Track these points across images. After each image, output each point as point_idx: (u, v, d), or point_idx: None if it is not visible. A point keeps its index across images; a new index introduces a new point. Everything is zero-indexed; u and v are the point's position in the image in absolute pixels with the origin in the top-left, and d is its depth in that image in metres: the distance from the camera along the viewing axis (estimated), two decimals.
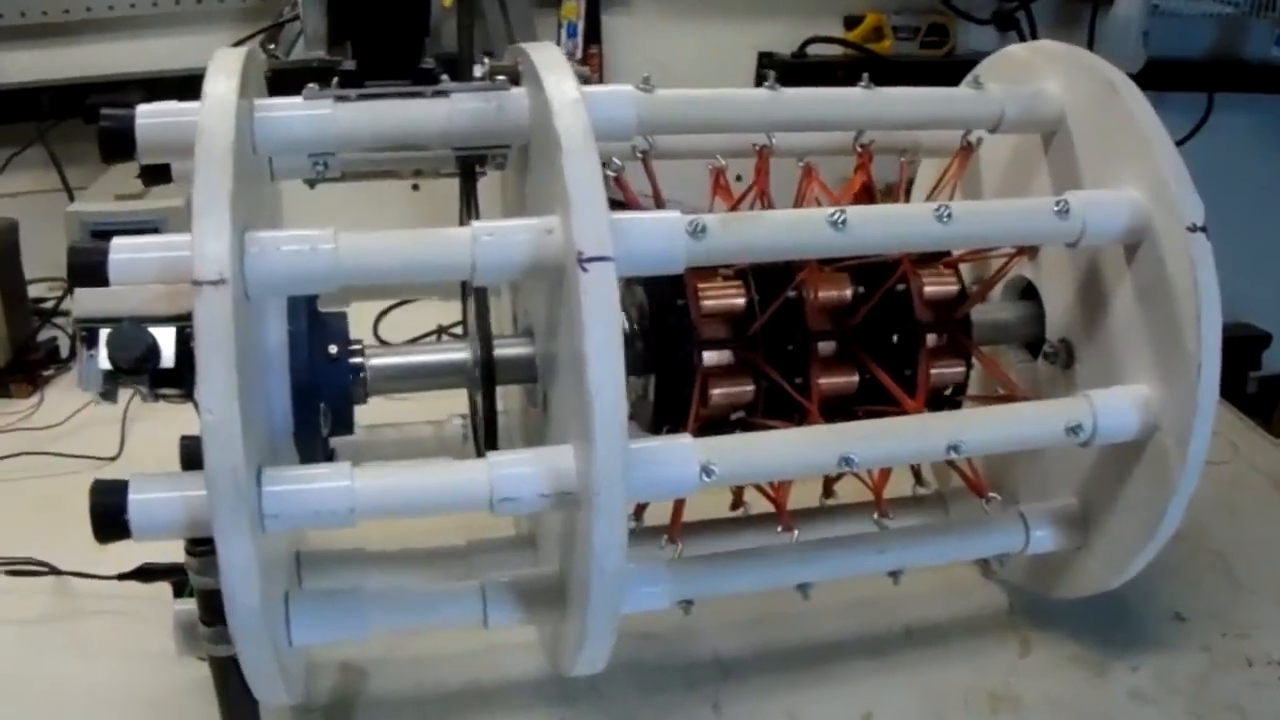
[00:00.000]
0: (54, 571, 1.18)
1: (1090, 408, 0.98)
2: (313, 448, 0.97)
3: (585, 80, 0.98)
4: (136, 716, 1.04)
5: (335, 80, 0.95)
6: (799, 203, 1.14)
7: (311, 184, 1.04)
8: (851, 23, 2.00)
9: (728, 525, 1.10)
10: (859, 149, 1.09)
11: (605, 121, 0.96)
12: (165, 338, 0.82)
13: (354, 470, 0.85)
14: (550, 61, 0.92)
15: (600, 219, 0.82)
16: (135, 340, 0.79)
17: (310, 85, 0.94)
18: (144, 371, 0.80)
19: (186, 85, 0.89)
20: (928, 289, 1.06)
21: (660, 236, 0.88)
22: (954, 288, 1.07)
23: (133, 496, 0.81)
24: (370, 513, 0.86)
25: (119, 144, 0.91)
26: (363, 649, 1.11)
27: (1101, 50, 1.98)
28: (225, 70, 0.87)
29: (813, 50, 1.99)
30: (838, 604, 1.18)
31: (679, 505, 1.04)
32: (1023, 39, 2.02)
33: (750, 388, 1.02)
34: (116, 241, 0.83)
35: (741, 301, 1.01)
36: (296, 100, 0.93)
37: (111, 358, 0.78)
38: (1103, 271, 1.05)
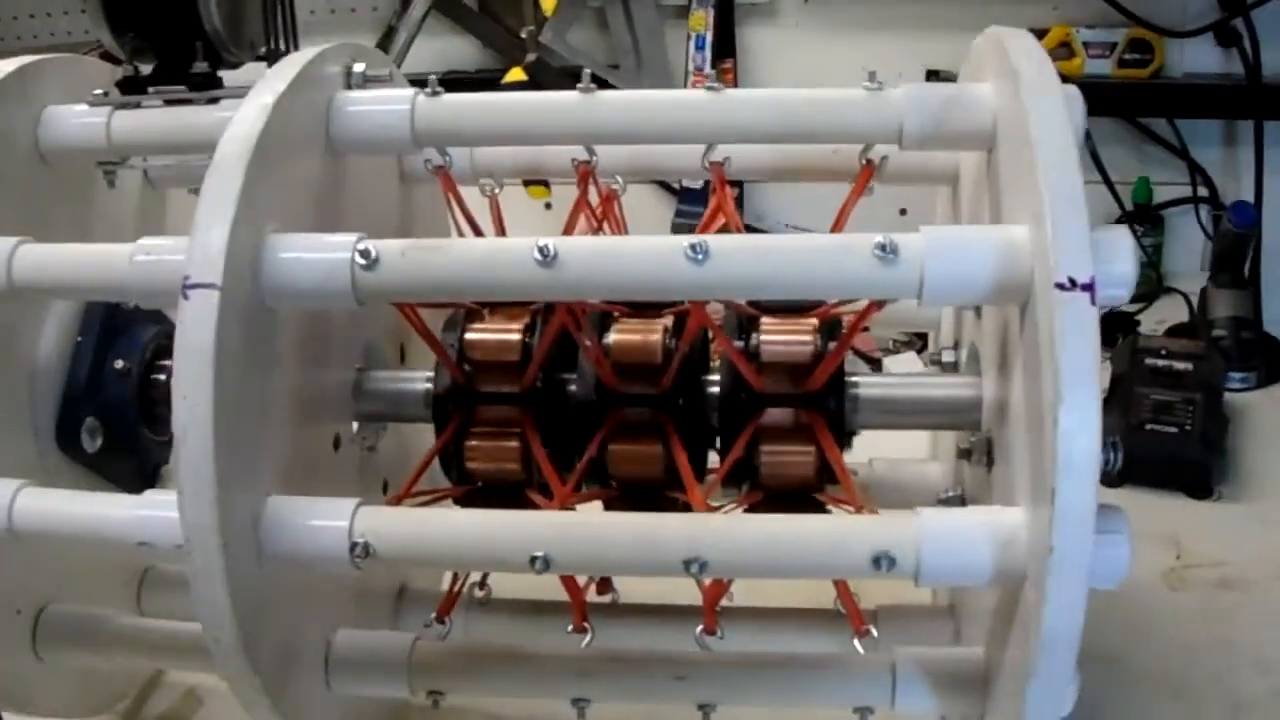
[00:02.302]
0: None
1: (915, 533, 0.68)
2: (89, 461, 0.90)
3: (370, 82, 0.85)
4: None
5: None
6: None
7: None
8: (1036, 37, 1.60)
9: (539, 610, 0.90)
10: (707, 166, 0.83)
11: (374, 130, 0.82)
12: None
13: (18, 499, 0.78)
14: (280, 68, 0.78)
15: (214, 241, 0.68)
16: None
17: (96, 92, 0.88)
18: None
19: None
20: (767, 349, 0.79)
21: (317, 267, 0.72)
22: (804, 348, 0.79)
23: None
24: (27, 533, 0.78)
25: None
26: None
27: None
28: None
29: None
30: None
31: (455, 579, 0.86)
32: (1244, 57, 1.52)
33: (514, 450, 0.82)
34: None
35: (515, 342, 0.81)
36: (81, 109, 0.88)
37: None
38: (1009, 340, 0.74)
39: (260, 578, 0.73)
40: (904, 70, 1.66)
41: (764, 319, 0.82)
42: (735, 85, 1.66)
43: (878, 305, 0.75)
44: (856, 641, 0.80)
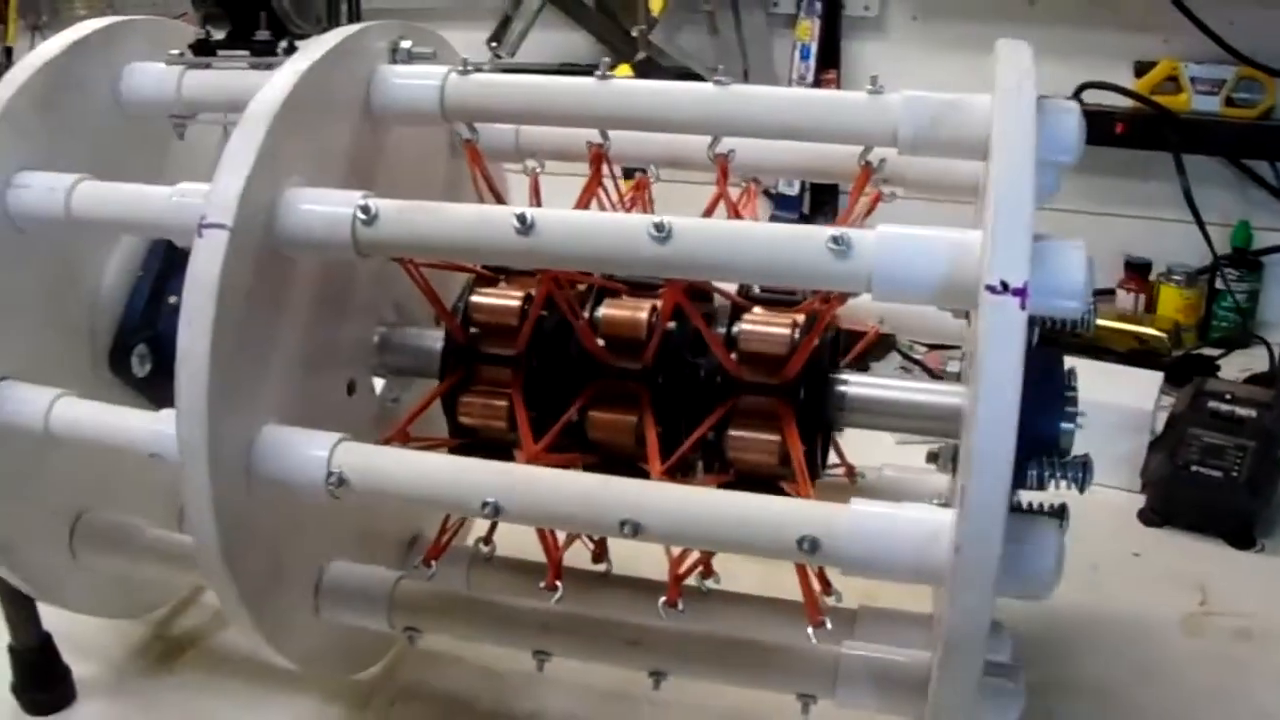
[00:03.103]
0: None
1: (843, 522, 0.71)
2: (138, 384, 1.00)
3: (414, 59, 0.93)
4: None
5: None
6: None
7: None
8: (1143, 69, 1.60)
9: (536, 571, 0.95)
10: (713, 158, 0.88)
11: (407, 102, 0.90)
12: None
13: (55, 406, 0.88)
14: (322, 39, 0.87)
15: (230, 188, 0.77)
16: None
17: (172, 51, 0.98)
18: None
19: None
20: (745, 337, 0.83)
21: (322, 218, 0.79)
22: (781, 339, 0.82)
23: None
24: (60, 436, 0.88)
25: None
26: None
27: None
28: (62, 38, 0.94)
29: (1092, 97, 1.62)
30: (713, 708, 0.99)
31: (445, 524, 0.93)
32: None
33: (501, 408, 0.88)
34: None
35: (514, 307, 0.88)
36: (158, 67, 0.98)
37: None
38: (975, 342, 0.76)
39: (248, 497, 0.81)
40: None
41: (754, 309, 0.87)
42: None
43: (839, 299, 0.79)
44: (810, 630, 0.83)
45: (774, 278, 0.78)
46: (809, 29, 1.66)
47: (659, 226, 0.73)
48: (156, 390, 1.02)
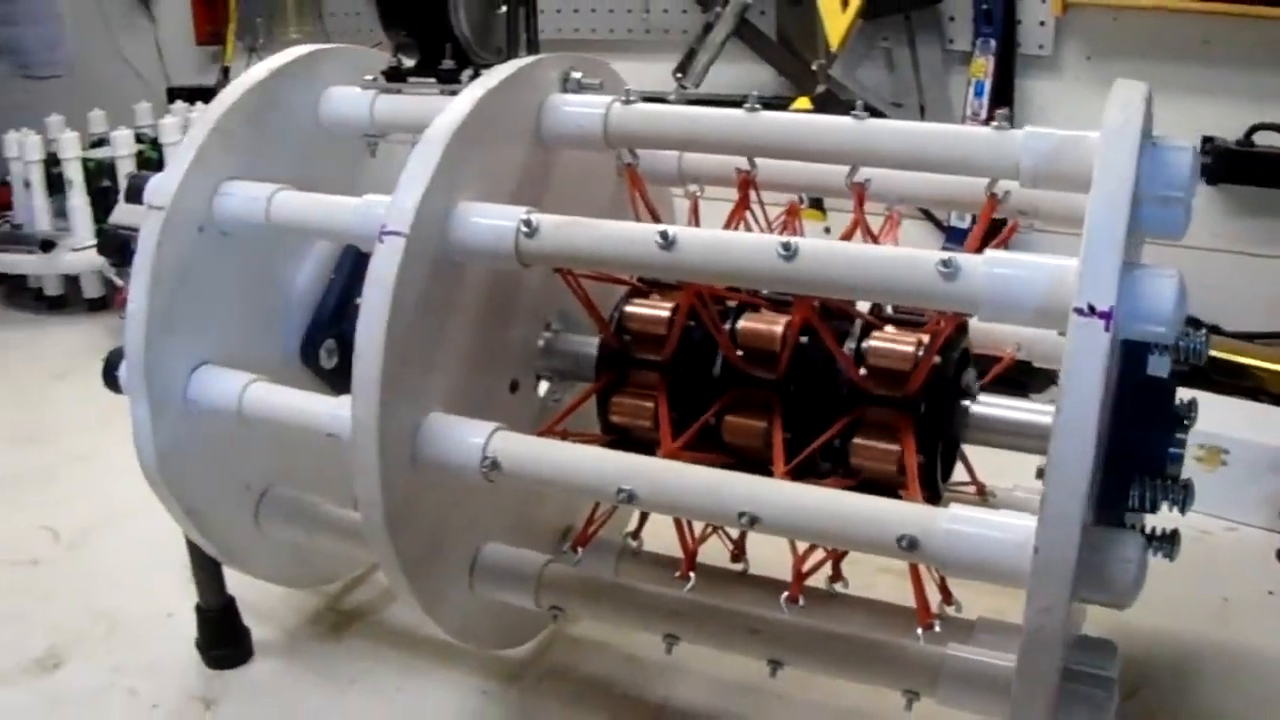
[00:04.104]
0: None
1: (940, 524, 0.81)
2: (325, 375, 1.18)
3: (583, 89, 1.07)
4: None
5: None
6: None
7: None
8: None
9: (665, 564, 1.08)
10: (850, 186, 0.99)
11: (573, 129, 1.04)
12: None
13: (248, 389, 1.06)
14: (499, 70, 1.02)
15: (408, 200, 0.92)
16: (114, 239, 1.10)
17: (367, 77, 1.15)
18: (124, 263, 1.09)
19: None
20: (873, 352, 0.94)
21: (490, 230, 0.94)
22: (905, 356, 0.92)
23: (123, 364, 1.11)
24: (251, 417, 1.06)
25: None
26: None
27: None
28: (270, 63, 1.12)
29: (1263, 139, 1.65)
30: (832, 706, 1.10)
31: (593, 515, 1.08)
32: None
33: (647, 409, 1.01)
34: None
35: (663, 317, 1.01)
36: (354, 90, 1.16)
37: (98, 248, 1.12)
38: None
39: (412, 476, 0.95)
40: (1179, 134, 1.72)
41: (885, 328, 0.97)
42: None
43: (954, 319, 0.89)
44: (920, 631, 0.93)
45: (889, 296, 0.89)
46: (983, 66, 1.75)
47: (786, 246, 0.85)
48: (340, 381, 1.20)
